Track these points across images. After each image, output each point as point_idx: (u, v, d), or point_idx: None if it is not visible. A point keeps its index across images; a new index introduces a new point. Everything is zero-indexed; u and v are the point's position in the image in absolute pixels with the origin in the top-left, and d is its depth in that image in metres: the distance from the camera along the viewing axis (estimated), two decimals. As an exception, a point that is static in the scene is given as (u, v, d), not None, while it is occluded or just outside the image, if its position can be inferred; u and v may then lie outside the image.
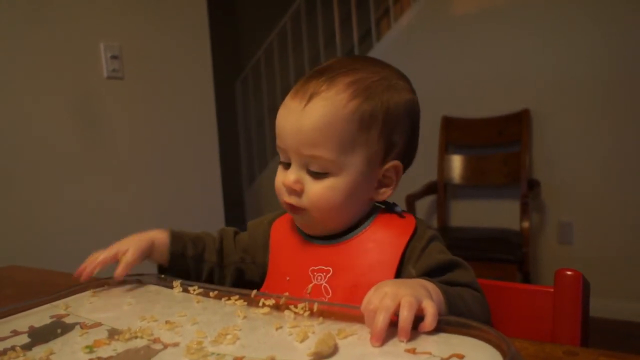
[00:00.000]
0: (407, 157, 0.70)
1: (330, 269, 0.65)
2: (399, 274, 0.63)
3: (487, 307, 0.62)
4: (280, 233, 0.73)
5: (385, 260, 0.63)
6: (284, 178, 0.66)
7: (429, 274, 0.62)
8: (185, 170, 2.16)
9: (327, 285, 0.64)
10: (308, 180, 0.65)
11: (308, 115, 0.62)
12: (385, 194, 0.68)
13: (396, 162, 0.66)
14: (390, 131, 0.65)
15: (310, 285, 0.65)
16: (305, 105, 0.63)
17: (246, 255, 0.78)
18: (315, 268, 0.66)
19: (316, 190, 0.64)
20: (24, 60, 1.63)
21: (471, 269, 0.64)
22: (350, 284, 0.63)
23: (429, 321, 0.48)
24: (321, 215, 0.65)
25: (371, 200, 0.68)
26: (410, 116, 0.68)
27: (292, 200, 0.66)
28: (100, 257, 0.72)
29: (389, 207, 0.70)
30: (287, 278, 0.68)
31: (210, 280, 0.77)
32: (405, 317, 0.47)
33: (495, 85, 2.65)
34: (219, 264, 0.78)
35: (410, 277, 0.61)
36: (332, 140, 0.62)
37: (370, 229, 0.67)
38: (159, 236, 0.76)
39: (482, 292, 0.62)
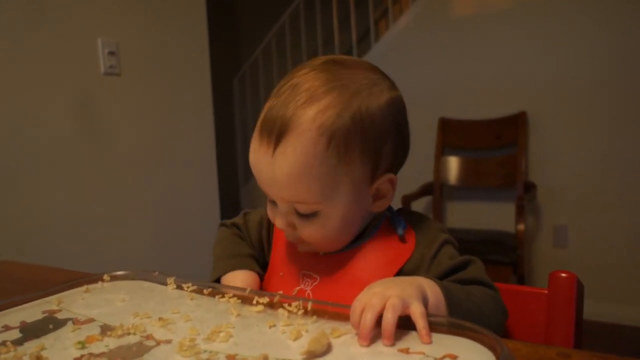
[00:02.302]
0: (399, 160, 0.66)
1: (318, 277, 0.65)
2: None
3: (501, 303, 0.60)
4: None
5: (371, 282, 0.59)
6: (274, 220, 0.64)
7: (440, 279, 0.60)
8: (181, 167, 2.16)
9: (310, 292, 0.65)
10: (298, 222, 0.62)
11: (279, 164, 0.57)
12: (383, 205, 0.65)
13: (389, 176, 0.63)
14: (372, 146, 0.60)
15: (297, 288, 0.66)
16: (274, 151, 0.57)
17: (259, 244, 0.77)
18: (307, 273, 0.66)
19: (309, 232, 0.62)
20: (20, 56, 1.62)
21: (481, 264, 0.63)
22: (332, 297, 0.61)
23: (423, 335, 0.47)
24: (321, 246, 0.65)
25: (369, 212, 0.65)
26: (391, 119, 0.62)
27: (289, 237, 0.65)
28: None
29: (394, 221, 0.67)
30: (281, 274, 0.69)
31: None
32: (388, 320, 0.46)
33: (492, 87, 2.66)
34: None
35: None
36: (312, 185, 0.58)
37: (367, 246, 0.65)
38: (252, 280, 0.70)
39: (495, 289, 0.61)
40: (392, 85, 0.65)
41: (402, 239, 0.65)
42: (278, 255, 0.71)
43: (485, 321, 0.55)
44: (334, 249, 0.66)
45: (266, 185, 0.61)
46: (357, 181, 0.60)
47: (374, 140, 0.60)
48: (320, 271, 0.66)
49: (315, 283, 0.65)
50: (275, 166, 0.58)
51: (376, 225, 0.67)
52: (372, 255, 0.65)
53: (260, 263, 0.74)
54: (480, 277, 0.61)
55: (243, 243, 0.76)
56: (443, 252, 0.64)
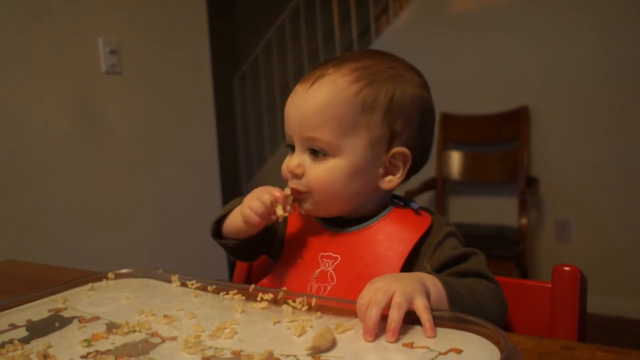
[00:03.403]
0: (416, 151, 0.68)
1: (339, 256, 0.65)
2: (406, 269, 0.62)
3: (502, 298, 0.60)
4: (299, 217, 0.73)
5: (393, 255, 0.63)
6: (288, 162, 0.66)
7: (441, 269, 0.62)
8: (183, 166, 2.16)
9: (333, 272, 0.65)
10: (309, 164, 0.65)
11: (311, 96, 0.64)
12: (392, 182, 0.66)
13: (403, 149, 0.65)
14: (394, 118, 0.64)
15: (318, 270, 0.66)
16: (310, 87, 0.64)
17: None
18: (325, 254, 0.67)
19: (316, 173, 0.64)
20: (21, 55, 1.62)
21: (483, 257, 0.64)
22: (355, 274, 0.63)
23: (428, 329, 0.47)
24: (323, 199, 0.65)
25: (378, 188, 0.67)
26: (418, 109, 0.67)
27: (294, 184, 0.66)
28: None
29: (406, 204, 0.70)
30: (298, 260, 0.69)
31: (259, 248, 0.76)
32: (394, 318, 0.47)
33: (494, 82, 2.65)
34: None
35: (424, 271, 0.60)
36: (332, 122, 0.62)
37: (384, 221, 0.66)
38: None
39: (496, 282, 0.61)
40: (429, 92, 0.70)
41: (417, 212, 0.68)
42: (292, 245, 0.71)
43: (485, 315, 0.55)
44: (334, 209, 0.67)
45: (292, 119, 0.66)
46: (372, 140, 0.64)
47: (396, 113, 0.65)
48: (340, 250, 0.66)
49: (337, 262, 0.65)
50: (306, 99, 0.64)
51: (389, 207, 0.69)
52: (390, 227, 0.66)
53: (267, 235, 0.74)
54: (481, 269, 0.61)
55: None
56: (447, 242, 0.65)
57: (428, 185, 2.71)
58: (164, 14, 2.07)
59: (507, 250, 2.25)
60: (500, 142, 2.62)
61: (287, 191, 0.66)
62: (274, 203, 0.64)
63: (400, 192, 0.75)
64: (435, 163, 2.72)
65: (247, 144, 4.14)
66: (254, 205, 0.65)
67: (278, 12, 3.68)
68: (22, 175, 1.62)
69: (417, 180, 2.65)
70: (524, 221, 2.30)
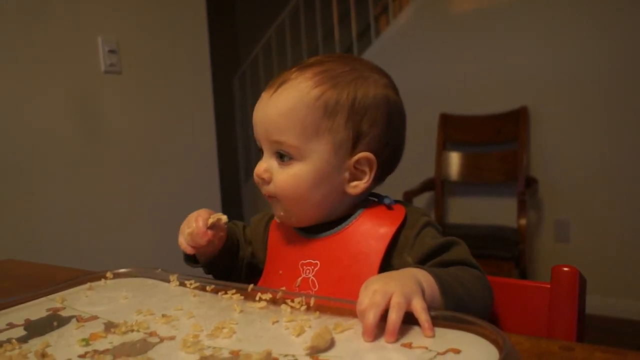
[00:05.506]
0: (385, 153, 0.68)
1: (318, 262, 0.66)
2: (385, 265, 0.62)
3: (488, 285, 0.61)
4: (278, 229, 0.73)
5: (370, 252, 0.63)
6: (256, 170, 0.67)
7: (424, 260, 0.62)
8: (182, 166, 2.16)
9: (314, 278, 0.65)
10: (276, 168, 0.66)
11: (273, 103, 0.65)
12: (358, 187, 0.66)
13: (367, 154, 0.65)
14: (358, 120, 0.64)
15: (299, 278, 0.66)
16: (274, 92, 0.65)
17: (251, 249, 0.79)
18: (305, 262, 0.67)
19: (282, 178, 0.65)
20: (20, 54, 1.62)
21: (465, 245, 0.63)
22: (336, 277, 0.63)
23: (426, 329, 0.47)
24: (291, 204, 0.66)
25: (345, 193, 0.67)
26: (383, 109, 0.66)
27: (263, 189, 0.67)
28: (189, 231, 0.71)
29: (380, 199, 0.70)
30: (280, 272, 0.69)
31: (236, 275, 0.78)
32: (394, 319, 0.47)
33: (493, 82, 2.66)
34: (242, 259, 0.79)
35: (407, 265, 0.61)
36: (295, 126, 0.63)
37: (358, 221, 0.66)
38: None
39: (480, 269, 0.61)
40: (396, 92, 0.69)
41: (390, 207, 0.68)
42: (273, 257, 0.72)
43: (475, 304, 0.56)
44: (303, 215, 0.67)
45: (258, 125, 0.67)
46: (336, 143, 0.64)
47: (359, 115, 0.65)
48: (319, 256, 0.66)
49: (317, 268, 0.65)
50: (269, 105, 0.65)
51: (362, 207, 0.68)
52: (365, 226, 0.66)
53: (253, 253, 0.77)
54: (465, 258, 0.62)
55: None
56: (425, 233, 0.65)
57: (427, 186, 2.72)
58: (164, 14, 2.07)
59: (506, 250, 2.25)
60: (499, 143, 2.63)
61: (215, 218, 0.69)
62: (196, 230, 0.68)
63: (399, 194, 0.75)
64: (435, 164, 2.73)
65: (246, 143, 4.14)
66: (184, 232, 0.69)
67: (278, 12, 3.68)
68: (20, 174, 1.62)
69: (416, 181, 2.65)
70: (523, 222, 2.31)
